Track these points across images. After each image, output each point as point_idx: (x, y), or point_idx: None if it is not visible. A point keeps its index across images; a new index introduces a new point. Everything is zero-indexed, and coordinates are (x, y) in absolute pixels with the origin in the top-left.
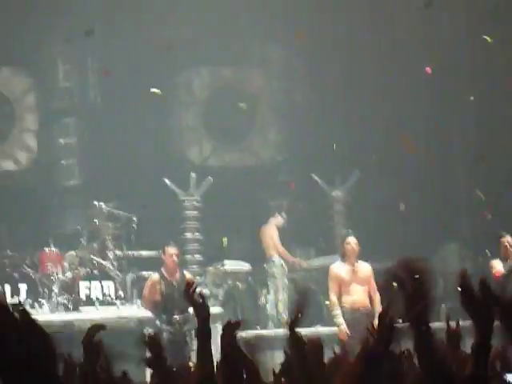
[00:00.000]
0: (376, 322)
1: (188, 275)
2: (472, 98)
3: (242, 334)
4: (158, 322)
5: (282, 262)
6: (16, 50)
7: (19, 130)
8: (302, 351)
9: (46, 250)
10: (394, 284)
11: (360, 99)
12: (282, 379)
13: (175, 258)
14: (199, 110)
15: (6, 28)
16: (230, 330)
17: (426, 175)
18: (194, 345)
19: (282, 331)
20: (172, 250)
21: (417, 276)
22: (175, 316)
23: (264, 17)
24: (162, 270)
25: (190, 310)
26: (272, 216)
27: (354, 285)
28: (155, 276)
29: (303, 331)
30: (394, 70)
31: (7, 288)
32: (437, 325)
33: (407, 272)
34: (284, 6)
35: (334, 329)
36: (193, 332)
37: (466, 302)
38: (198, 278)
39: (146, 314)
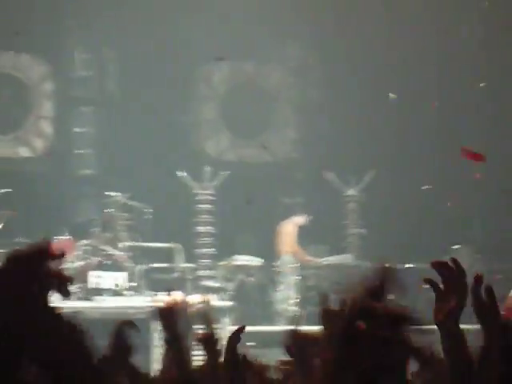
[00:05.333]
0: None
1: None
2: None
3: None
4: None
5: (295, 259)
6: (36, 36)
7: (36, 116)
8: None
9: (59, 238)
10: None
11: (377, 97)
12: None
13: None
14: (218, 104)
15: (26, 14)
16: (234, 337)
17: (440, 176)
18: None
19: (289, 328)
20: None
21: (448, 277)
22: None
23: (284, 14)
24: None
25: None
26: (294, 215)
27: None
28: None
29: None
30: (409, 67)
31: None
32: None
33: (441, 273)
34: (305, 4)
35: None
36: None
37: (476, 307)
38: (208, 271)
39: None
